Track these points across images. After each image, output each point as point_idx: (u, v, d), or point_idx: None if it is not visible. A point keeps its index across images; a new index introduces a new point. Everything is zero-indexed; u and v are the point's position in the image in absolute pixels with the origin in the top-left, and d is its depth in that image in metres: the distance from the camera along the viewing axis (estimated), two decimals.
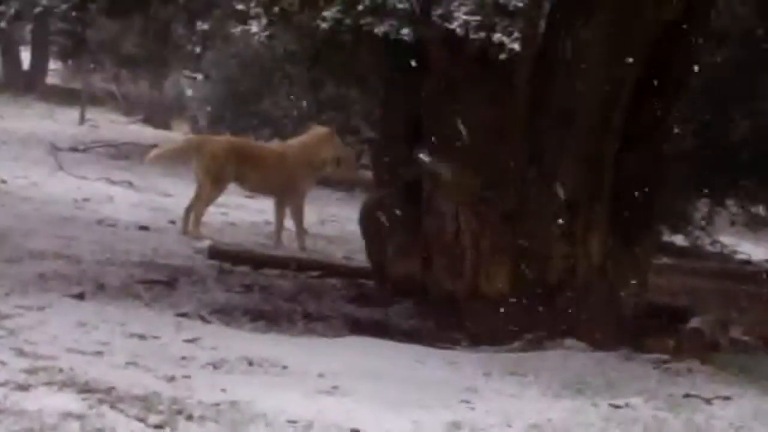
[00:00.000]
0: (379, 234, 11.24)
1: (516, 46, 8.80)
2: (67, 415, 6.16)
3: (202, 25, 12.71)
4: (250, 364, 8.17)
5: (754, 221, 22.82)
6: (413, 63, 10.48)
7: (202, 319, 10.00)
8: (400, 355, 9.14)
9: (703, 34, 11.82)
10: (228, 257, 12.95)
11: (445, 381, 8.42)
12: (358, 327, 10.29)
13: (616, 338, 10.31)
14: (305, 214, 15.15)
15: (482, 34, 8.85)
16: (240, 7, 9.94)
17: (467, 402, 7.74)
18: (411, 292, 10.79)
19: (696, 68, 11.60)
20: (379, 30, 9.14)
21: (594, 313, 10.47)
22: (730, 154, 16.15)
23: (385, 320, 10.58)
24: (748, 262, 20.89)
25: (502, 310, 10.30)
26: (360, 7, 9.13)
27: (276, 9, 9.82)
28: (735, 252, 21.80)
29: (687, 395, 8.37)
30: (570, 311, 10.40)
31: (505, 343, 10.07)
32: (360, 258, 12.79)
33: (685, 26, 10.73)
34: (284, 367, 8.18)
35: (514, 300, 10.35)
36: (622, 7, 10.15)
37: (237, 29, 10.29)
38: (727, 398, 8.39)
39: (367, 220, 11.53)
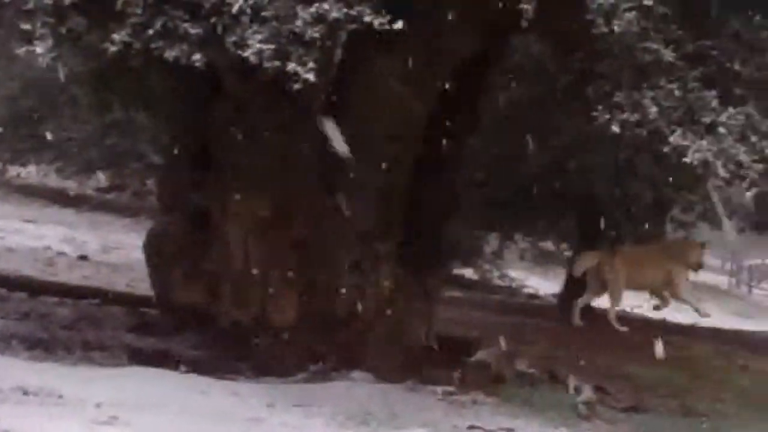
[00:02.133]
0: (164, 262, 10.99)
1: (311, 77, 8.69)
2: None
3: None
4: (26, 393, 7.86)
5: (543, 256, 23.37)
6: (204, 88, 10.28)
7: None
8: (183, 385, 8.93)
9: (499, 70, 11.97)
10: (4, 283, 12.55)
11: (228, 412, 8.25)
12: (140, 356, 10.03)
13: (402, 370, 10.30)
14: None
15: (277, 63, 8.72)
16: (25, 26, 9.57)
17: None
18: (196, 321, 10.57)
19: (490, 103, 11.72)
20: (170, 55, 8.92)
21: (381, 345, 10.45)
22: (520, 190, 16.41)
23: (168, 350, 10.33)
24: (535, 296, 21.37)
25: (289, 340, 10.17)
26: (150, 31, 8.90)
27: (63, 30, 9.51)
28: (523, 286, 22.29)
29: (471, 427, 8.43)
30: (358, 342, 10.35)
31: (292, 374, 9.96)
32: (145, 286, 12.50)
33: (480, 62, 10.83)
34: (61, 397, 7.91)
35: (301, 330, 10.24)
36: (418, 40, 10.17)
37: (21, 50, 9.89)
38: (510, 430, 8.49)
39: (152, 247, 11.24)
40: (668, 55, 9.59)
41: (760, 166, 9.73)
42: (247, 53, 8.69)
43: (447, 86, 10.55)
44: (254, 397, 8.85)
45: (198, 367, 9.84)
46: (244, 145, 10.30)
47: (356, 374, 10.04)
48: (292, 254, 10.31)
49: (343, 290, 10.36)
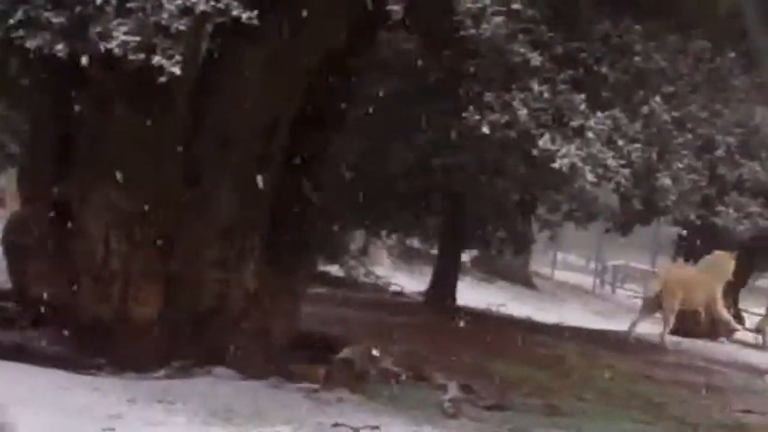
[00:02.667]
0: (23, 254, 10.73)
1: (177, 70, 8.54)
2: None
3: None
4: None
5: (409, 254, 23.44)
6: (67, 79, 10.07)
7: None
8: (42, 380, 8.76)
9: (366, 66, 11.94)
10: None
11: (88, 408, 8.11)
12: None
13: (267, 366, 10.23)
14: None
15: (142, 56, 8.56)
16: None
17: (111, 429, 7.52)
18: (55, 315, 10.34)
19: (357, 100, 11.69)
20: (32, 44, 8.73)
21: (245, 341, 10.36)
22: (387, 187, 16.42)
23: (27, 344, 10.09)
24: (401, 294, 21.41)
25: (150, 335, 10.03)
26: (11, 20, 8.70)
27: None
28: (389, 283, 22.31)
29: (336, 424, 8.40)
30: (221, 338, 10.25)
31: (153, 369, 9.82)
32: (2, 279, 12.21)
33: (347, 58, 10.79)
34: None
35: (163, 326, 10.10)
36: (284, 34, 10.08)
37: None
38: (375, 427, 8.47)
39: (9, 239, 10.98)
40: (535, 58, 9.67)
41: (626, 171, 9.87)
42: (111, 45, 8.53)
43: (314, 81, 10.49)
44: (114, 393, 8.71)
45: (57, 362, 9.65)
46: (107, 137, 10.12)
47: (220, 371, 9.96)
48: (154, 249, 10.15)
49: (207, 286, 10.27)
